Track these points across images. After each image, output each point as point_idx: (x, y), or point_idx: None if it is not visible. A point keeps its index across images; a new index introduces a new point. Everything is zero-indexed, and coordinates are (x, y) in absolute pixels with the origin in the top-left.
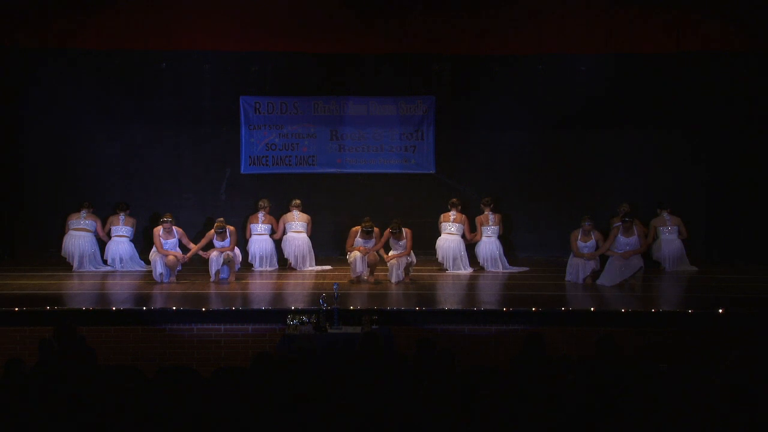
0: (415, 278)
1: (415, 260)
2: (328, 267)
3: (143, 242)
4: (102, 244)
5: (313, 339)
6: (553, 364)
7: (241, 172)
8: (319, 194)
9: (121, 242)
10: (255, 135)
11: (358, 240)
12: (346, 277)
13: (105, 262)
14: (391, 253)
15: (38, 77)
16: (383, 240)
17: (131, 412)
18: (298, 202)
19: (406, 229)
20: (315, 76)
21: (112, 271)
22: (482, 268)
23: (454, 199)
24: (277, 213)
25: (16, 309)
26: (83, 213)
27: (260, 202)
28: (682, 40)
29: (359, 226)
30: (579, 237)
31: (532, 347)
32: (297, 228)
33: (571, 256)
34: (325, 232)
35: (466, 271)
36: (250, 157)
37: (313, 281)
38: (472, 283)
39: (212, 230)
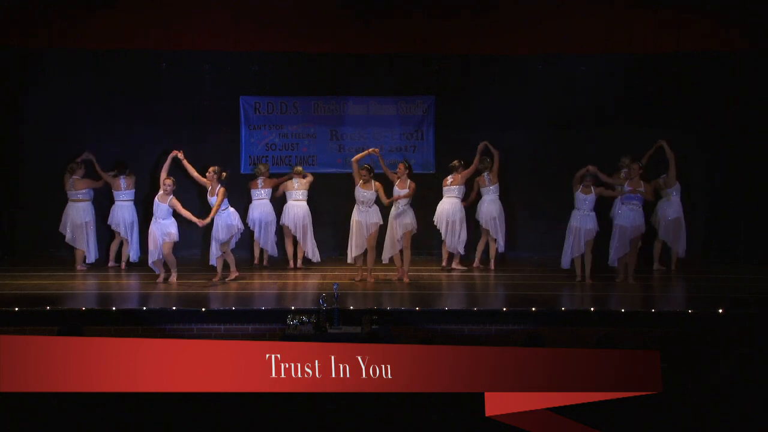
0: (415, 278)
1: (415, 225)
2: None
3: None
4: (103, 211)
5: None
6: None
7: (241, 172)
8: (319, 194)
9: (125, 206)
10: (255, 135)
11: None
12: (347, 277)
13: (109, 227)
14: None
15: (38, 77)
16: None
17: None
18: (299, 169)
19: (411, 182)
20: (315, 76)
21: (113, 273)
22: (478, 268)
23: (455, 162)
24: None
25: (16, 309)
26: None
27: (259, 168)
28: (682, 40)
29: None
30: (580, 189)
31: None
32: (297, 197)
33: (567, 236)
34: (326, 232)
35: (459, 247)
36: (250, 157)
37: (313, 281)
38: (472, 283)
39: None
